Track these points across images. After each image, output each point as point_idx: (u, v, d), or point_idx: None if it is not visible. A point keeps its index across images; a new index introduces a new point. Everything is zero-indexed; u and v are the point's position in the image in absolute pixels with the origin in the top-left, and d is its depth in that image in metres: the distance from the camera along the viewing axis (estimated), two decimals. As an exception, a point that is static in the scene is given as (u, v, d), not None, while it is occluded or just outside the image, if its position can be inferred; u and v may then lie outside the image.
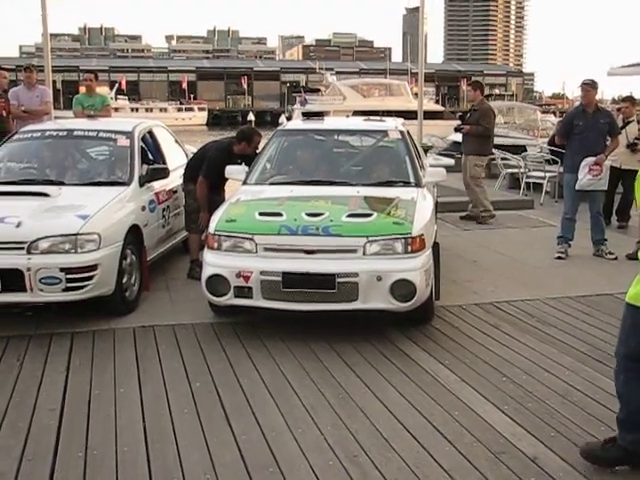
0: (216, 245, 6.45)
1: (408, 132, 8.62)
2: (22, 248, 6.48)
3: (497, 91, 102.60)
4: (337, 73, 64.41)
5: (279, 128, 9.21)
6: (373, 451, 4.46)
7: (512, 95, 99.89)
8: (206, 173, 8.16)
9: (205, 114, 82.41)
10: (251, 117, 28.86)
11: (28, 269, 6.41)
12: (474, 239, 10.85)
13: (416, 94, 19.55)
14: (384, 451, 4.47)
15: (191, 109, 79.21)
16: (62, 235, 6.57)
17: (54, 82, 14.06)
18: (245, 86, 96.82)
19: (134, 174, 7.92)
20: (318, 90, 53.87)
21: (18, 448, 4.53)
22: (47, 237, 6.52)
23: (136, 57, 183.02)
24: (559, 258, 9.41)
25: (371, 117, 9.92)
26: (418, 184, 7.58)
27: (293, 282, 6.16)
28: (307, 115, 9.39)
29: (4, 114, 10.71)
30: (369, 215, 6.59)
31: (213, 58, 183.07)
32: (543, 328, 6.78)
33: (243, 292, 6.27)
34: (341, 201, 6.88)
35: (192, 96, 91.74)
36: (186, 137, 10.87)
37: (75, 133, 8.60)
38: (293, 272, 6.16)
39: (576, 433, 4.67)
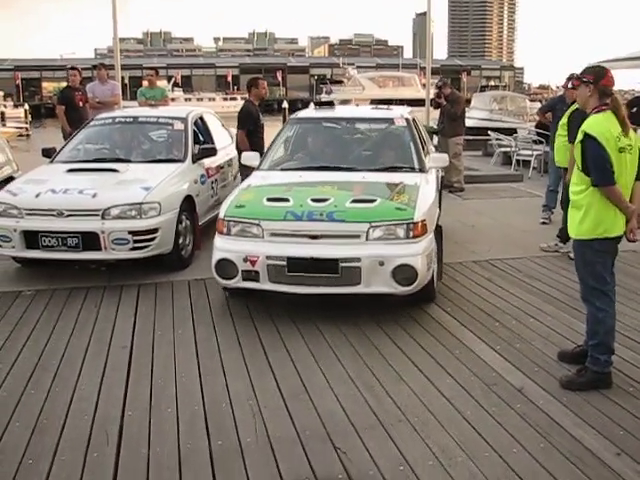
0: (225, 230, 5.73)
1: (414, 119, 7.87)
2: (97, 215, 6.53)
3: (492, 82, 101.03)
4: (357, 67, 63.64)
5: (292, 116, 8.10)
6: (387, 382, 4.49)
7: (505, 86, 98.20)
8: (240, 126, 8.65)
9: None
10: (285, 105, 28.59)
11: (102, 232, 6.47)
12: (473, 207, 10.76)
13: (424, 85, 19.33)
14: (396, 382, 4.50)
15: (235, 98, 78.55)
16: (129, 204, 6.61)
17: (122, 78, 14.04)
18: (280, 79, 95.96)
19: (188, 153, 7.92)
20: (341, 82, 53.42)
21: (98, 375, 4.64)
22: (117, 205, 6.57)
23: (189, 56, 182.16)
24: (543, 223, 9.32)
25: (379, 106, 9.05)
26: (422, 169, 6.71)
27: (298, 266, 5.46)
28: (319, 104, 8.87)
29: (82, 104, 10.78)
30: (372, 201, 5.75)
31: (253, 56, 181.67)
32: (529, 281, 6.74)
33: (250, 275, 5.57)
34: (346, 187, 6.08)
35: (236, 87, 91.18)
36: (231, 122, 10.84)
37: (139, 119, 8.61)
38: (298, 257, 5.45)
39: (555, 368, 4.67)
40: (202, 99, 71.34)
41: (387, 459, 3.59)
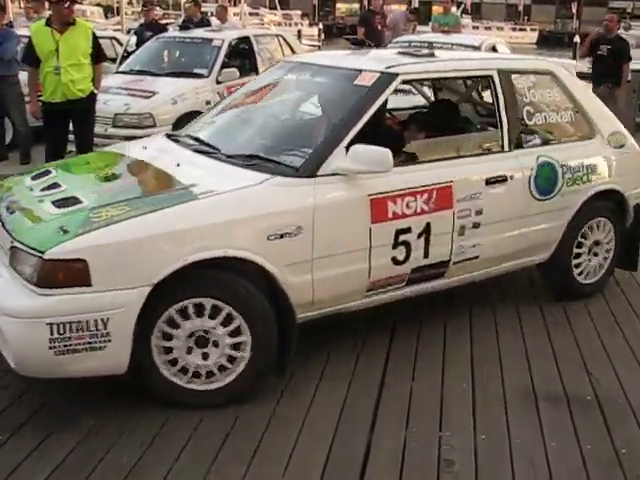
0: None
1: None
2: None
3: None
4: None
5: (282, 58, 5.73)
6: None
7: None
8: None
9: (536, 34, 78.36)
10: (576, 39, 26.90)
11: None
12: None
13: None
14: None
15: (524, 29, 75.43)
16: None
17: (409, 2, 14.46)
18: (574, 11, 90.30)
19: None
20: (640, 16, 49.09)
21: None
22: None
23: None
24: None
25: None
26: (306, 173, 3.52)
27: None
28: (355, 43, 7.07)
29: (380, 28, 11.37)
30: (76, 203, 3.38)
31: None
32: None
33: None
34: (121, 176, 3.94)
35: (526, 18, 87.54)
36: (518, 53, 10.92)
37: (434, 45, 8.88)
38: None
39: None
40: (490, 28, 69.51)
41: (637, 391, 3.70)
